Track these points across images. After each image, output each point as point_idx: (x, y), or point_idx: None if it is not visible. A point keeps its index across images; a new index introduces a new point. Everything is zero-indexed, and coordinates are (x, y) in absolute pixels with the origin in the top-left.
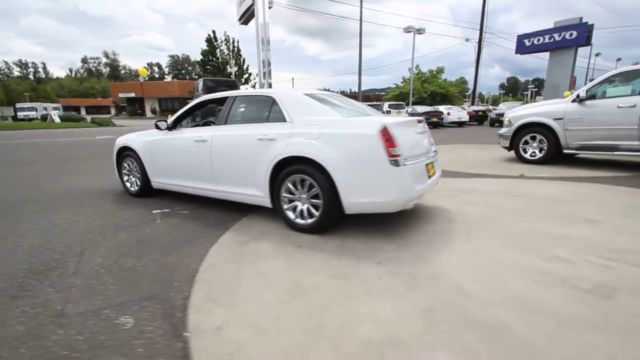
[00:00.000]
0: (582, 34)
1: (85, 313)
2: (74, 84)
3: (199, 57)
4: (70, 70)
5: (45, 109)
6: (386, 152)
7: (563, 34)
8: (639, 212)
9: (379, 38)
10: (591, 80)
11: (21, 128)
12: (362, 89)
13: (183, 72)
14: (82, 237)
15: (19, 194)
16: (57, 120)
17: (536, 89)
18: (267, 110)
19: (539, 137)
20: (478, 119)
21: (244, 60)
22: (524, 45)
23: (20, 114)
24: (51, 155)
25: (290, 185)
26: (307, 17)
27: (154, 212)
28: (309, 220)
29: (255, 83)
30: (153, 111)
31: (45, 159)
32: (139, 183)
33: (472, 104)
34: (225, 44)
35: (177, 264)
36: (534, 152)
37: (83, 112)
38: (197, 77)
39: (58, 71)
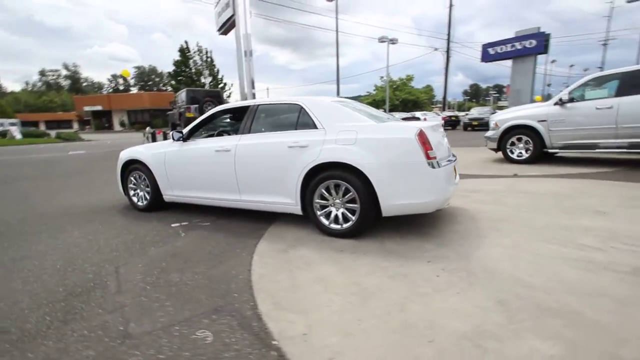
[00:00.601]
0: (541, 42)
1: (153, 332)
2: (31, 97)
3: (166, 68)
4: (27, 84)
5: (2, 124)
6: (424, 154)
7: (524, 42)
8: (639, 202)
9: (347, 48)
10: (549, 85)
11: None
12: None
13: (150, 83)
14: (108, 255)
15: (13, 214)
16: (19, 136)
17: (497, 95)
18: (295, 118)
19: (524, 138)
20: (452, 123)
21: (218, 70)
22: (489, 53)
23: None
24: (29, 173)
25: (324, 191)
26: (276, 27)
27: (172, 225)
28: (345, 225)
29: (230, 93)
30: (122, 124)
31: (23, 177)
32: (147, 197)
33: (444, 109)
34: (199, 55)
35: (226, 276)
36: (520, 152)
37: (42, 127)
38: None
39: (12, 85)
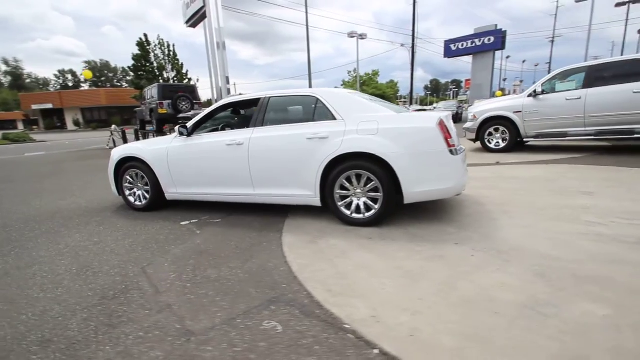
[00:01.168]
0: (498, 39)
1: (217, 327)
2: None
3: (120, 63)
4: None
5: None
6: (446, 142)
7: (483, 39)
8: (617, 183)
9: (311, 43)
10: (504, 80)
11: None
12: None
13: (103, 79)
14: (126, 257)
15: None
16: None
17: (456, 89)
18: (311, 109)
19: (501, 128)
20: None
21: (182, 64)
22: (451, 49)
23: None
24: None
25: (345, 182)
26: (237, 20)
27: (182, 224)
28: (367, 214)
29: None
30: (76, 123)
31: None
32: (147, 196)
33: (410, 104)
34: (160, 48)
35: (265, 269)
36: (497, 142)
37: None
38: (120, 84)
39: None
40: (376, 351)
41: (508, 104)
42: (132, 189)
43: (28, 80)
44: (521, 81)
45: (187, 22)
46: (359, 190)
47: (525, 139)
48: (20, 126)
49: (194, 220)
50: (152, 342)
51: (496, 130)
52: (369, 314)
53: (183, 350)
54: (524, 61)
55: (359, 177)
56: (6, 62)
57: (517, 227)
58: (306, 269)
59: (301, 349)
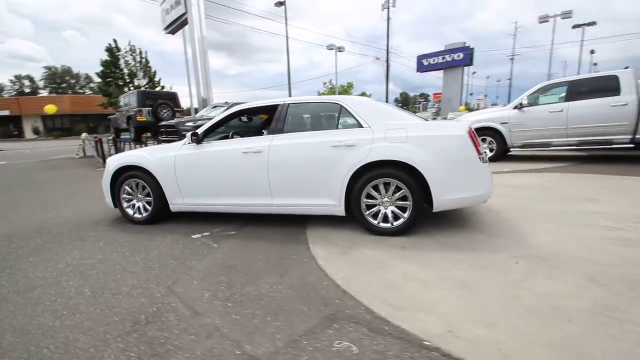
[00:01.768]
0: (467, 55)
1: (282, 350)
2: None
3: (84, 70)
4: None
5: None
6: (476, 150)
7: (453, 55)
8: (612, 190)
9: (284, 54)
10: (471, 94)
11: None
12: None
13: (64, 85)
14: (144, 275)
15: None
16: None
17: (425, 102)
18: (334, 117)
19: (488, 139)
20: None
21: (155, 72)
22: (423, 64)
23: None
24: None
25: (372, 191)
26: (210, 29)
27: (194, 237)
28: (396, 223)
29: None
30: (36, 131)
31: None
32: (148, 208)
33: None
34: (132, 55)
35: (306, 283)
36: (485, 152)
37: None
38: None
39: None
40: None
41: (495, 116)
42: (131, 200)
43: None
44: (485, 96)
45: (166, 29)
46: (386, 199)
47: (512, 149)
48: None
49: (206, 234)
50: None
51: (484, 140)
52: (443, 328)
53: None
54: (488, 77)
55: (386, 185)
56: None
57: (543, 233)
58: (352, 282)
59: None
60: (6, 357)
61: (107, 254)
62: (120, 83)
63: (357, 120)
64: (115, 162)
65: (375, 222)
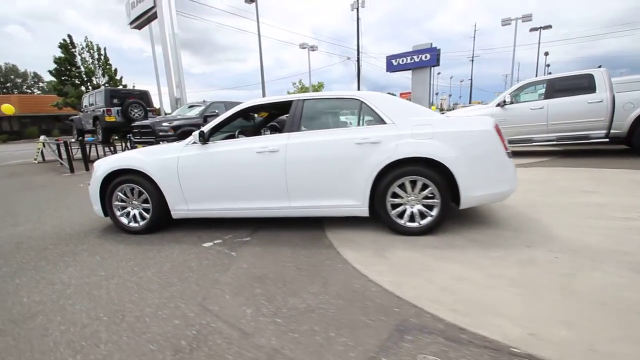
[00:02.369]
0: (434, 56)
1: None
2: None
3: (31, 68)
4: None
5: None
6: (503, 145)
7: (420, 56)
8: (604, 182)
9: (250, 53)
10: (436, 94)
11: None
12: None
13: (9, 84)
14: (166, 292)
15: None
16: None
17: None
18: (355, 113)
19: None
20: None
21: (115, 70)
22: (392, 64)
23: None
24: None
25: (398, 189)
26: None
27: (205, 245)
28: (423, 222)
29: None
30: None
31: None
32: (145, 215)
33: None
34: (89, 52)
35: (353, 290)
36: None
37: None
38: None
39: None
40: None
41: (479, 113)
42: (125, 207)
43: None
44: (450, 95)
45: (131, 23)
46: (412, 197)
47: None
48: None
49: (217, 241)
50: None
51: None
52: (522, 331)
53: None
54: (451, 77)
55: (412, 183)
56: None
57: (565, 226)
58: (402, 286)
59: None
60: None
61: (111, 270)
62: (77, 82)
63: (379, 116)
64: (104, 165)
65: (402, 222)
